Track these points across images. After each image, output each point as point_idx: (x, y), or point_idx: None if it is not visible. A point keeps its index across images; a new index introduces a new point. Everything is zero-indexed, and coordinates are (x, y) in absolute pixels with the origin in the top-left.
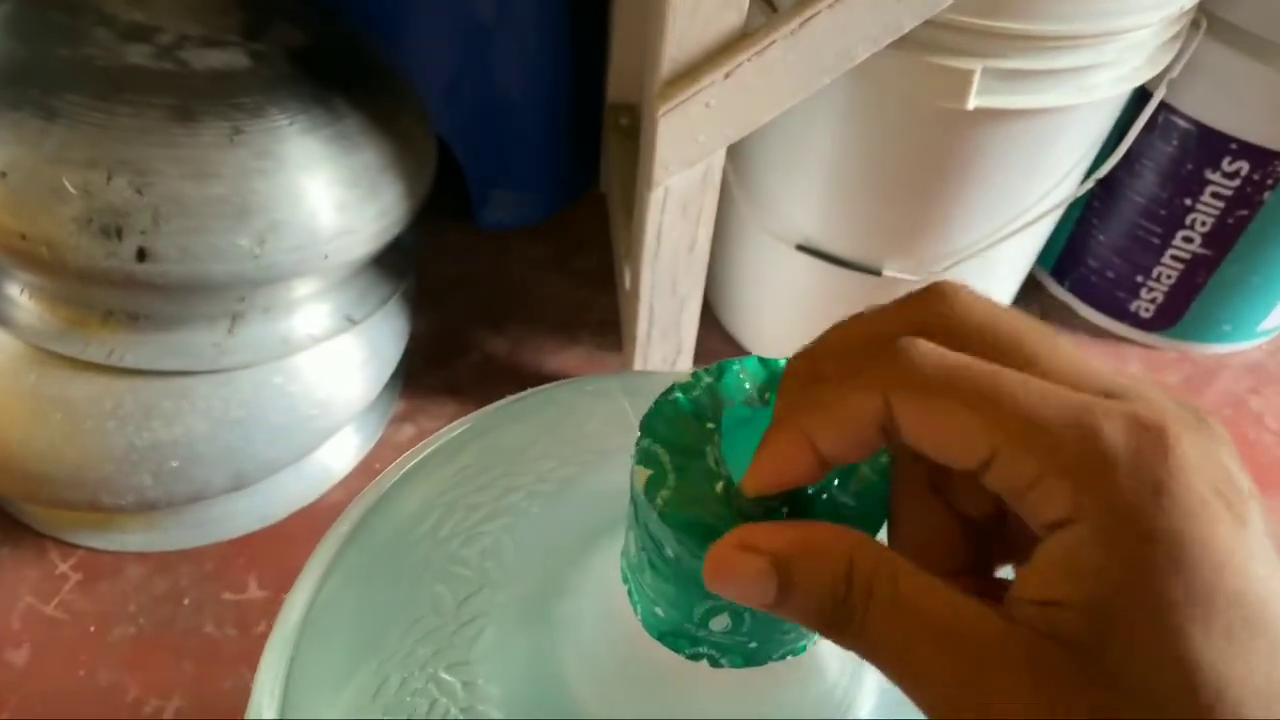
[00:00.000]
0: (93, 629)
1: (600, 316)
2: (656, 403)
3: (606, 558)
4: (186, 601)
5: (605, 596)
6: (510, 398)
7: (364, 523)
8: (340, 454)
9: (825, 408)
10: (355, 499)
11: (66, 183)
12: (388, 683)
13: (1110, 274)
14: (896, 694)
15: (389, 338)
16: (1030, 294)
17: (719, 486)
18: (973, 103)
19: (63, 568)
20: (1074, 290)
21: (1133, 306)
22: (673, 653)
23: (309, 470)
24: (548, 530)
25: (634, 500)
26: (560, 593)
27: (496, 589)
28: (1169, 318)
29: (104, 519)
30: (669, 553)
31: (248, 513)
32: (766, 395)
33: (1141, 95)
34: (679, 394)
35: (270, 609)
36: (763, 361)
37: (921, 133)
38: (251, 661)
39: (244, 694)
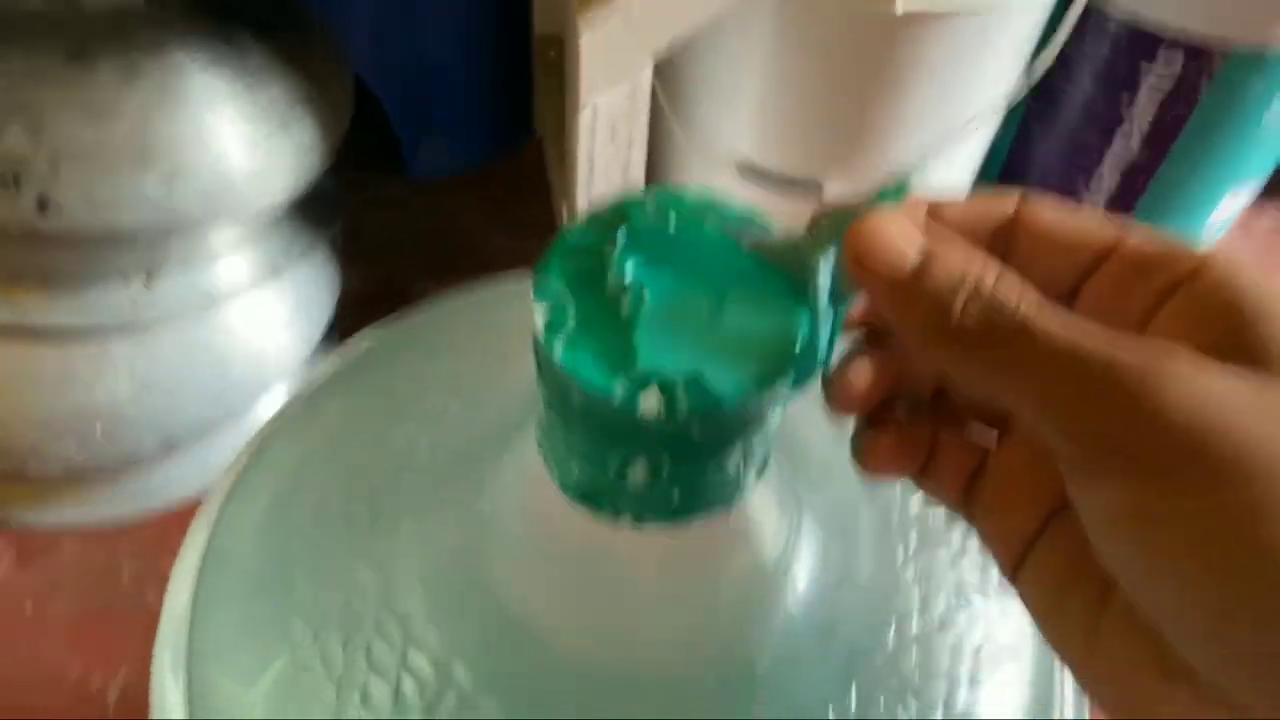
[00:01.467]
0: (29, 608)
1: None
2: (556, 238)
3: (525, 446)
4: (126, 574)
5: (524, 485)
6: (416, 308)
7: (265, 449)
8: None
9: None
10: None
11: None
12: (296, 585)
13: (1054, 180)
14: (831, 568)
15: (318, 290)
16: None
17: (623, 311)
18: (901, 7)
19: None
20: None
21: None
22: (597, 529)
23: (243, 432)
24: (463, 431)
25: (535, 348)
26: (478, 486)
27: (412, 487)
28: None
29: (35, 494)
30: (575, 399)
31: (182, 480)
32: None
33: None
34: (577, 226)
35: None
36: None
37: (853, 40)
38: None
39: None
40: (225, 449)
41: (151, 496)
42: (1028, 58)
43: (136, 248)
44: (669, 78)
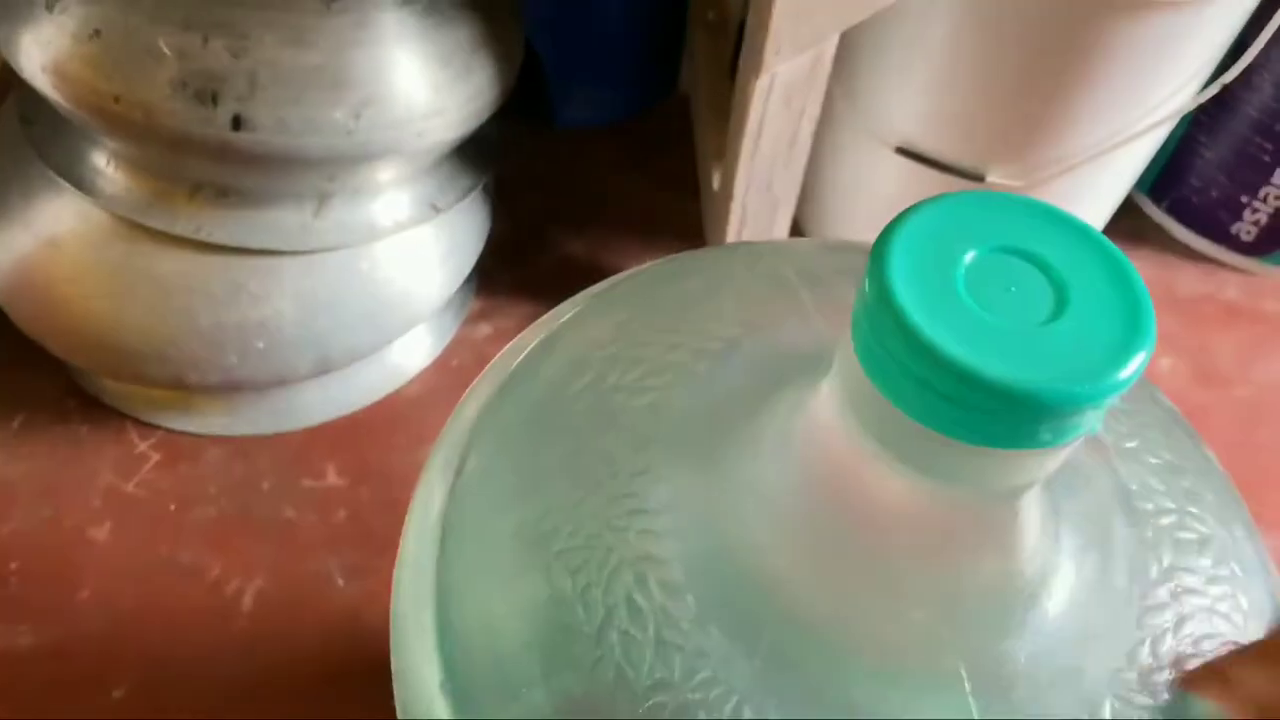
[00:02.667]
0: (173, 508)
1: (681, 221)
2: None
3: (788, 403)
4: (266, 486)
5: (791, 440)
6: (659, 260)
7: (516, 375)
8: (417, 347)
9: None
10: (499, 354)
11: (162, 44)
12: (557, 531)
13: (1214, 193)
14: (1086, 580)
15: (470, 232)
16: (1125, 215)
17: None
18: None
19: (142, 447)
20: (1172, 211)
21: (1234, 229)
22: (875, 485)
23: (386, 361)
24: (718, 385)
25: None
26: (739, 445)
27: (668, 443)
28: (1272, 242)
29: (184, 400)
30: None
31: (325, 402)
32: None
33: (1269, 4)
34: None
35: (349, 497)
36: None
37: (1049, 24)
38: (332, 547)
39: (324, 578)
40: (368, 377)
41: (295, 416)
42: (1219, 58)
43: (315, 174)
44: (840, 51)
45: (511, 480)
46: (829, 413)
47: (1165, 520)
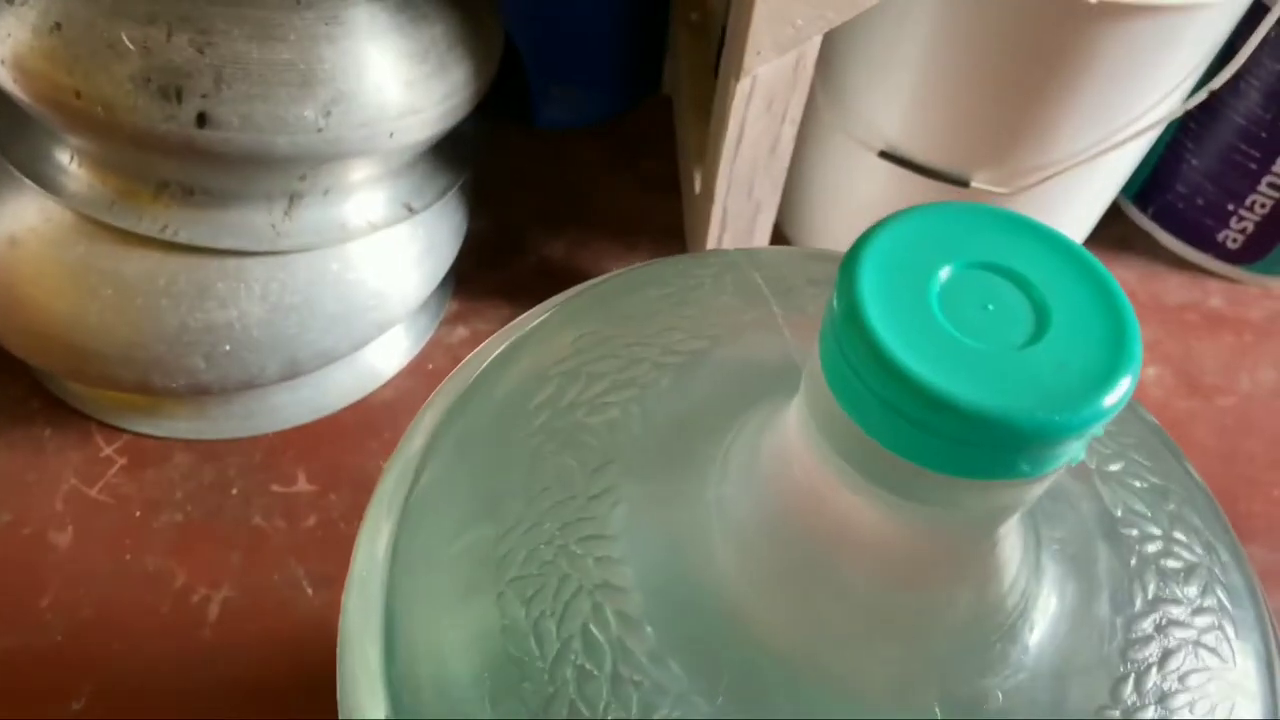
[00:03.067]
0: (138, 514)
1: (662, 223)
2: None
3: (753, 424)
4: (234, 491)
5: (756, 462)
6: (626, 269)
7: (475, 387)
8: (392, 350)
9: None
10: (460, 365)
11: (125, 38)
12: (511, 554)
13: (1200, 201)
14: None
15: (446, 232)
16: (1110, 222)
17: None
18: None
19: (108, 451)
20: (1157, 218)
21: (1220, 237)
22: (844, 511)
23: (359, 364)
24: (680, 402)
25: None
26: (702, 466)
27: (628, 463)
28: (1257, 250)
29: (151, 403)
30: None
31: (297, 405)
32: None
33: (1256, 7)
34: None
35: (319, 503)
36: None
37: (1033, 29)
38: (300, 554)
39: (292, 586)
40: (341, 379)
41: (265, 418)
42: (1206, 65)
43: (284, 173)
44: (822, 54)
45: (466, 500)
46: (797, 434)
47: (1150, 548)
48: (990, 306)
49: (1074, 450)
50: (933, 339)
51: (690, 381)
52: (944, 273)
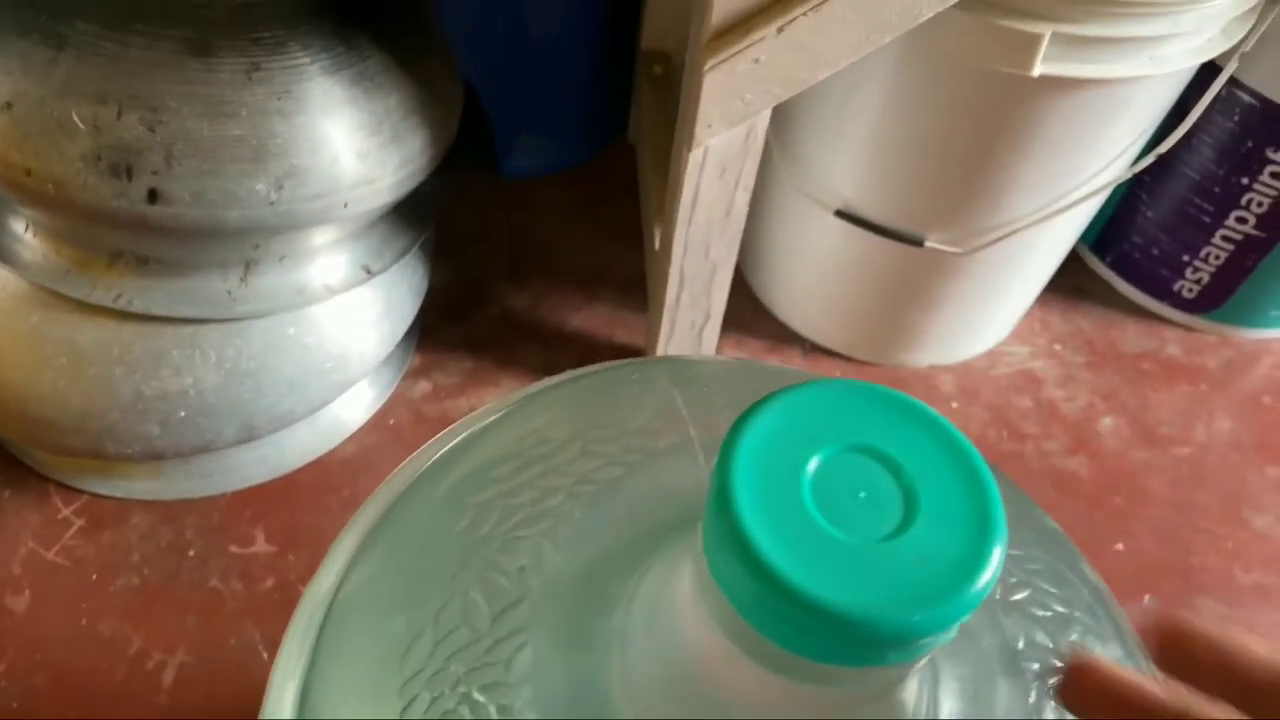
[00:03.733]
0: (95, 577)
1: (625, 273)
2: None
3: (659, 573)
4: (192, 553)
5: (660, 618)
6: (546, 382)
7: (391, 515)
8: (354, 407)
9: None
10: (379, 487)
11: (75, 117)
12: (416, 700)
13: (1155, 251)
14: None
15: (407, 290)
16: (1069, 269)
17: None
18: (1038, 69)
19: (65, 513)
20: (1114, 266)
21: (1176, 286)
22: (734, 678)
23: (321, 422)
24: (592, 539)
25: None
26: (608, 611)
27: (536, 603)
28: (1213, 300)
29: (109, 465)
30: None
31: (257, 463)
32: None
33: (1207, 68)
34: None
35: (277, 564)
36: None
37: (979, 99)
38: (257, 618)
39: (249, 651)
40: (302, 437)
41: (224, 478)
42: (1154, 126)
43: (238, 243)
44: (778, 116)
45: (377, 638)
46: (689, 599)
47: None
48: (862, 493)
49: (945, 637)
50: (802, 532)
51: (603, 514)
52: (817, 460)
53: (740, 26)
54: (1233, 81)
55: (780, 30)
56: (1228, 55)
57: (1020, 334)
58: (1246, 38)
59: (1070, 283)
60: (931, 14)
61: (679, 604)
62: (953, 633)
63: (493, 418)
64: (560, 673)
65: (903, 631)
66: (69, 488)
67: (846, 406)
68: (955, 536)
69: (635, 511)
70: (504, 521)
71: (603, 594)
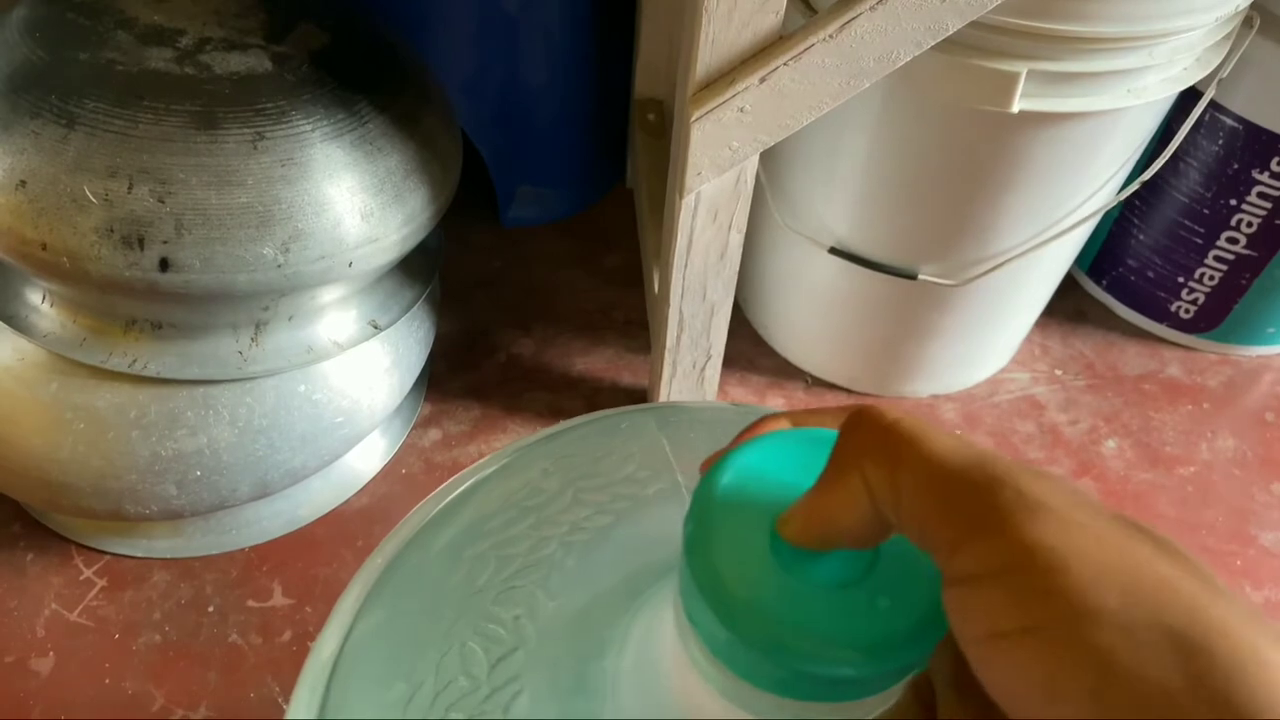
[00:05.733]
0: (118, 637)
1: (627, 316)
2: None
3: (648, 617)
4: (211, 609)
5: (649, 661)
6: (540, 434)
7: (391, 571)
8: (366, 458)
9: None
10: (381, 543)
11: (88, 192)
12: None
13: (1150, 274)
14: None
15: (414, 343)
16: (1066, 293)
17: None
18: (1017, 106)
19: (88, 574)
20: (1111, 290)
21: (1173, 307)
22: (715, 713)
23: (334, 474)
24: (584, 585)
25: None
26: (600, 654)
27: (532, 650)
28: (1210, 319)
29: (129, 525)
30: None
31: (273, 518)
32: None
33: (1187, 93)
34: None
35: (294, 617)
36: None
37: (962, 136)
38: (276, 671)
39: (268, 704)
40: (315, 492)
41: (241, 533)
42: (1138, 154)
43: (247, 306)
44: (769, 158)
45: (381, 692)
46: (673, 638)
47: None
48: None
49: (908, 673)
50: (767, 579)
51: (595, 560)
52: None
53: (725, 78)
54: (1215, 106)
55: (763, 80)
56: (1207, 81)
57: (1020, 360)
58: (1223, 64)
59: (1068, 307)
60: (908, 58)
61: (665, 646)
62: (925, 662)
63: (488, 471)
64: (556, 716)
65: (859, 674)
66: (90, 549)
67: (816, 455)
68: (913, 581)
69: (625, 557)
70: (500, 572)
71: (596, 638)
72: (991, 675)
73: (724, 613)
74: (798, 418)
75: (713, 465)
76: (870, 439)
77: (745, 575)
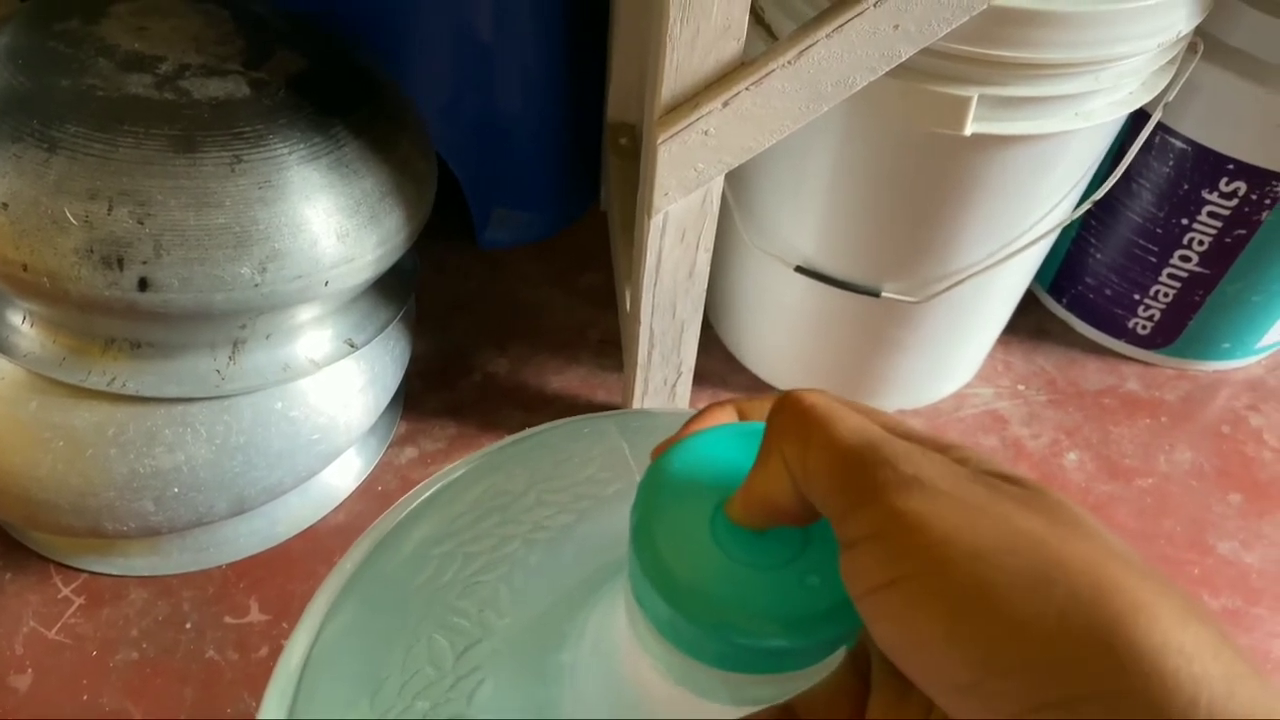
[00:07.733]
0: (95, 654)
1: (601, 335)
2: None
3: (604, 609)
4: (188, 626)
5: (605, 649)
6: (506, 440)
7: (361, 572)
8: (342, 475)
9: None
10: (351, 547)
11: (68, 213)
12: None
13: (1108, 291)
14: None
15: (390, 361)
16: (1027, 311)
17: None
18: (970, 129)
19: (65, 592)
20: (1071, 307)
21: (1130, 324)
22: (658, 686)
23: (311, 491)
24: (546, 580)
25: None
26: (560, 645)
27: (495, 641)
28: (1167, 335)
29: (107, 543)
30: None
31: (250, 535)
32: None
33: (1138, 115)
34: None
35: (271, 633)
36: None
37: (919, 158)
38: (253, 686)
39: None
40: (292, 509)
41: (219, 551)
42: (1090, 174)
43: (225, 325)
44: (736, 179)
45: (351, 683)
46: (624, 624)
47: None
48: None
49: (840, 644)
50: (705, 559)
51: (557, 557)
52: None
53: (689, 102)
54: (1165, 129)
55: (726, 104)
56: (1154, 104)
57: (984, 376)
58: (1168, 88)
59: (1030, 325)
60: (865, 83)
61: (619, 632)
62: (853, 639)
63: (453, 476)
64: (518, 704)
65: (790, 645)
66: (68, 567)
67: (755, 445)
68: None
69: (585, 553)
70: (465, 568)
71: (556, 630)
72: (875, 630)
73: (667, 592)
74: (742, 405)
75: (659, 455)
76: (788, 422)
77: (687, 557)
